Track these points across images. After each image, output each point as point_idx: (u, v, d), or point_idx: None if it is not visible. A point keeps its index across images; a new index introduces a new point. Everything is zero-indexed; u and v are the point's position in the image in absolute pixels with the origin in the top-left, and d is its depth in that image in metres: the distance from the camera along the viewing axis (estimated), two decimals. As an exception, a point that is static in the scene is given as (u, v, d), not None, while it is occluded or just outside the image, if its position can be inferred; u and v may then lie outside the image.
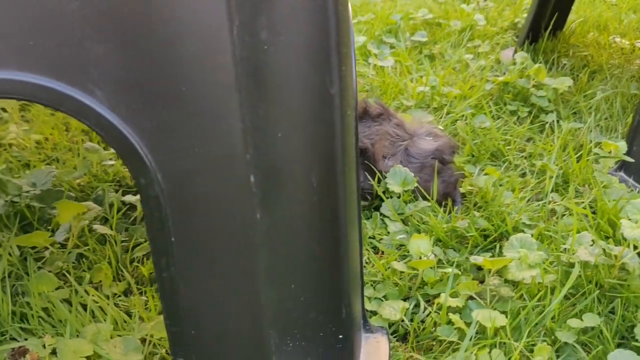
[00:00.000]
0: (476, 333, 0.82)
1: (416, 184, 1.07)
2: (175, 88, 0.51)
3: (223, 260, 0.58)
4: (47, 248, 0.92)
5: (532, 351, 0.80)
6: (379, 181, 1.09)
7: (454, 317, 0.83)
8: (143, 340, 0.79)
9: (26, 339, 0.77)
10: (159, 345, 0.80)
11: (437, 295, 0.91)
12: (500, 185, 1.16)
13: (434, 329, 0.85)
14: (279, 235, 0.66)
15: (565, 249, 0.94)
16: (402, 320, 0.87)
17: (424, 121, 1.20)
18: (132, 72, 0.50)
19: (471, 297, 0.89)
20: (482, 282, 0.93)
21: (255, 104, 0.58)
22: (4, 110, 1.31)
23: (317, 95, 0.62)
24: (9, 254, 0.87)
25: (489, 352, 0.79)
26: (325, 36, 0.60)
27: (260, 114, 0.59)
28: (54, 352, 0.75)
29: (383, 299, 0.90)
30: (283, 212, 0.65)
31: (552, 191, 1.13)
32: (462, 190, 1.16)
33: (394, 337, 0.87)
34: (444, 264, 0.98)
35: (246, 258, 0.60)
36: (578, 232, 0.95)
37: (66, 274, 0.89)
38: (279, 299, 0.68)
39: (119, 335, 0.78)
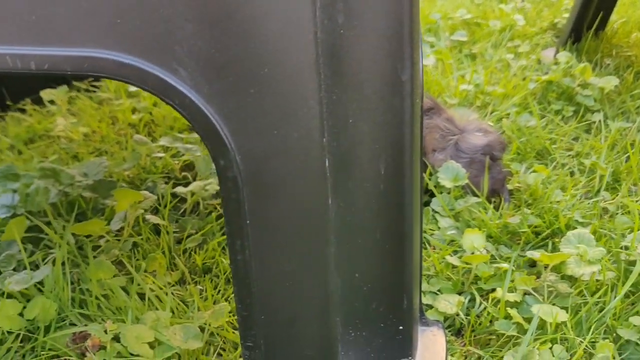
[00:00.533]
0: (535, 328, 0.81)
1: (467, 180, 1.06)
2: (258, 69, 0.51)
3: (296, 244, 0.58)
4: (102, 237, 0.93)
5: (593, 348, 0.79)
6: (430, 175, 1.08)
7: (513, 312, 0.82)
8: (201, 329, 0.79)
9: (86, 325, 0.78)
10: (217, 334, 0.80)
11: (491, 291, 0.90)
12: (549, 184, 1.15)
13: (490, 323, 0.84)
14: (345, 223, 0.65)
15: (624, 246, 0.92)
16: (457, 315, 0.86)
17: (472, 118, 1.19)
18: (216, 52, 0.50)
19: (527, 293, 0.88)
20: (537, 278, 0.91)
21: (331, 87, 0.57)
22: (52, 102, 1.32)
23: (388, 81, 0.62)
24: (67, 243, 0.87)
25: (550, 348, 0.78)
26: (398, 23, 0.60)
27: (333, 98, 0.58)
28: (114, 338, 0.75)
29: (438, 292, 0.90)
30: (350, 199, 0.65)
31: (603, 190, 1.12)
32: (509, 187, 1.14)
33: (449, 331, 0.86)
34: (496, 259, 0.97)
35: (318, 243, 0.59)
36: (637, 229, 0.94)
37: (122, 262, 0.90)
38: (342, 288, 0.68)
39: (178, 323, 0.78)
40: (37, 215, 0.94)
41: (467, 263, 0.92)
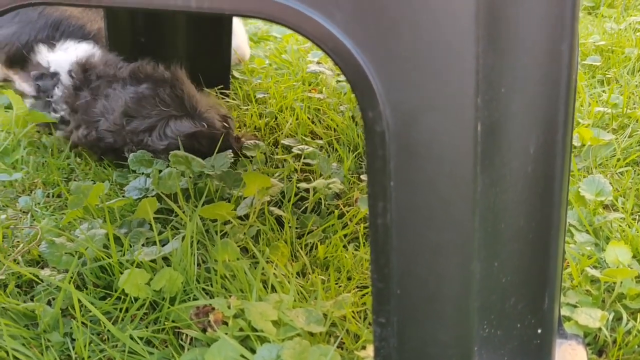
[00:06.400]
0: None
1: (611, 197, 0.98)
2: (416, 14, 0.49)
3: (441, 212, 0.55)
4: (227, 223, 0.93)
5: None
6: (567, 187, 1.01)
7: (669, 331, 0.74)
8: (324, 317, 0.76)
9: (210, 299, 0.77)
10: (339, 325, 0.77)
11: (639, 311, 0.81)
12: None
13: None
14: (489, 203, 0.61)
15: None
16: (600, 330, 0.78)
17: None
18: (374, -5, 0.48)
19: (685, 313, 0.78)
20: (694, 299, 0.82)
21: (486, 50, 0.54)
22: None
23: (546, 50, 0.58)
24: (195, 224, 0.88)
25: None
26: (561, -14, 0.56)
27: (488, 62, 0.55)
28: (236, 316, 0.74)
29: (576, 305, 0.82)
30: (495, 177, 0.60)
31: None
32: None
33: (589, 348, 0.78)
34: (643, 279, 0.88)
35: (464, 215, 0.55)
36: None
37: (246, 248, 0.89)
38: (481, 276, 0.63)
39: (301, 307, 0.75)
40: (168, 198, 0.95)
41: (610, 277, 0.84)
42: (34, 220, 0.99)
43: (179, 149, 1.03)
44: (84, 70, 1.16)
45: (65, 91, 1.16)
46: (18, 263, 0.88)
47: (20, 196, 1.07)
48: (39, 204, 1.04)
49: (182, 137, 1.05)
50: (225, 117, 1.13)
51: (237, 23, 1.56)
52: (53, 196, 1.08)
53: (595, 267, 0.90)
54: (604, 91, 1.56)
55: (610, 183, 1.04)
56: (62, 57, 1.23)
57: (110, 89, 1.11)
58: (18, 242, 0.93)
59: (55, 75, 1.20)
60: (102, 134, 1.11)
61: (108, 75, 1.13)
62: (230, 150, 1.05)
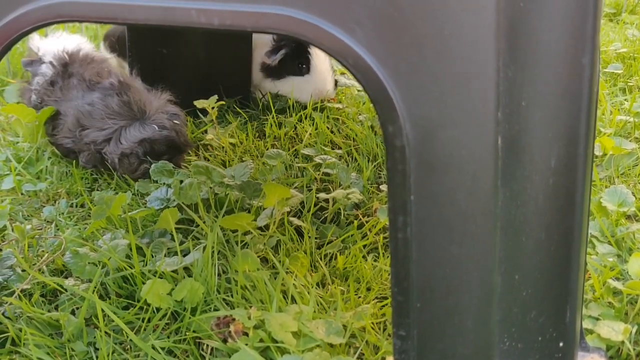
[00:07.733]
0: None
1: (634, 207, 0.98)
2: (437, 30, 0.49)
3: (462, 226, 0.55)
4: (247, 233, 0.93)
5: None
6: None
7: (692, 344, 0.73)
8: (343, 327, 0.76)
9: (231, 309, 0.78)
10: (358, 336, 0.77)
11: (662, 323, 0.80)
12: None
13: (663, 357, 0.75)
14: (509, 216, 0.61)
15: None
16: (623, 344, 0.77)
17: None
18: (394, 10, 0.49)
19: None
20: None
21: (507, 63, 0.54)
22: (204, 114, 1.39)
23: (567, 63, 0.58)
24: (216, 234, 0.89)
25: None
26: (584, 1, 0.56)
27: (509, 75, 0.55)
28: (256, 326, 0.75)
29: (599, 317, 0.81)
30: (517, 190, 0.60)
31: None
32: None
33: (612, 362, 0.78)
34: (667, 291, 0.87)
35: (485, 228, 0.55)
36: None
37: (266, 258, 0.90)
38: (502, 290, 0.63)
39: (321, 318, 0.76)
40: (189, 208, 0.96)
41: (633, 289, 0.83)
42: (58, 230, 1.01)
43: (136, 154, 1.11)
44: (63, 64, 1.22)
45: (43, 82, 1.23)
46: (43, 273, 0.89)
47: (44, 206, 1.08)
48: (62, 213, 1.06)
49: (137, 143, 1.11)
50: (173, 114, 1.18)
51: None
52: (76, 206, 1.09)
53: (617, 279, 0.89)
54: (626, 99, 1.55)
55: (632, 193, 1.03)
56: (52, 44, 1.27)
57: (75, 91, 1.18)
58: (43, 251, 0.95)
59: (42, 60, 1.25)
60: (60, 140, 1.18)
61: (79, 74, 1.20)
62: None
